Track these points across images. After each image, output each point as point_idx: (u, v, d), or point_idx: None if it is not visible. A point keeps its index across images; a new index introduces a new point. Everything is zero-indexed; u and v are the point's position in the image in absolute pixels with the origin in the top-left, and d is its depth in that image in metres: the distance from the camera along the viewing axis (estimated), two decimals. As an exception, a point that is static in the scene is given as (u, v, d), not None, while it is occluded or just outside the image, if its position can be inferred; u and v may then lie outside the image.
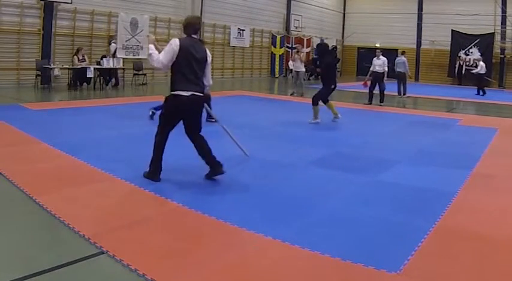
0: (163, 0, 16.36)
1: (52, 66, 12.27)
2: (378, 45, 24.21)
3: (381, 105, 11.85)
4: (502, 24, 22.68)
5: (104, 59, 13.08)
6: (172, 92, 4.22)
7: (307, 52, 22.26)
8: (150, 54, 4.23)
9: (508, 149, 6.93)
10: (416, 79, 24.38)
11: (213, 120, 7.42)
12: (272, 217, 3.60)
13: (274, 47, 22.45)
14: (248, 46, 20.93)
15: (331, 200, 4.09)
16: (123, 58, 14.27)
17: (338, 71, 21.89)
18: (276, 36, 22.35)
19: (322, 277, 2.70)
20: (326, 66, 8.61)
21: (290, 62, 16.16)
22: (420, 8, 25.02)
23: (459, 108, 13.43)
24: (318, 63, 9.02)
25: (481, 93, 17.48)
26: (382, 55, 12.10)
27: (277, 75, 22.62)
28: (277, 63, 22.67)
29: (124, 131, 7.04)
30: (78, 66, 12.59)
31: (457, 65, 23.42)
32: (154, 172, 4.36)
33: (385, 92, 12.13)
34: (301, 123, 8.40)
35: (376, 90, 11.98)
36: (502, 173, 5.30)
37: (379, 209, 3.90)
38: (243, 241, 3.16)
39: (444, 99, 15.43)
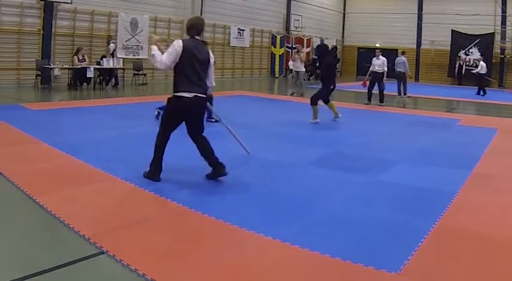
0: (163, 0, 16.37)
1: (52, 66, 12.27)
2: (377, 45, 24.21)
3: (381, 105, 11.85)
4: (502, 24, 22.68)
5: (104, 59, 13.08)
6: (175, 94, 4.22)
7: (307, 52, 22.26)
8: (153, 55, 4.23)
9: (508, 149, 6.93)
10: (416, 79, 24.38)
11: (213, 120, 7.43)
12: (272, 217, 3.60)
13: (274, 47, 22.46)
14: (248, 46, 20.94)
15: (331, 200, 4.09)
16: (123, 58, 14.28)
17: (338, 71, 21.91)
18: (276, 36, 22.35)
19: (322, 277, 2.70)
20: (326, 67, 8.62)
21: (290, 62, 16.16)
22: (420, 8, 25.03)
23: (459, 108, 13.44)
24: (317, 64, 9.02)
25: (482, 93, 17.48)
26: (382, 55, 12.10)
27: (277, 75, 22.62)
28: (277, 63, 22.67)
29: (124, 131, 7.04)
30: (78, 66, 12.59)
31: (457, 65, 23.42)
32: (154, 172, 4.36)
33: (386, 92, 12.14)
34: (301, 123, 8.40)
35: (376, 90, 11.99)
36: (502, 173, 5.30)
37: (379, 209, 3.90)
38: (243, 241, 3.16)
39: (444, 99, 15.43)
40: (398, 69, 13.75)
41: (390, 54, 16.87)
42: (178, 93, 4.19)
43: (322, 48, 9.47)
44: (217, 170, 4.44)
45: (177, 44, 4.16)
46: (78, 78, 12.80)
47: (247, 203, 3.93)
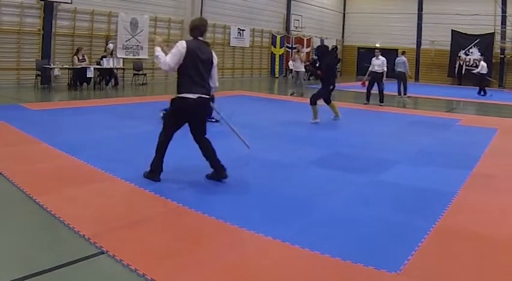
0: (163, 0, 16.36)
1: (52, 66, 12.27)
2: (377, 45, 24.20)
3: (380, 105, 11.86)
4: (502, 24, 22.67)
5: (104, 59, 13.08)
6: (179, 95, 4.22)
7: (307, 52, 22.25)
8: (156, 57, 4.22)
9: (508, 149, 6.93)
10: (416, 79, 24.37)
11: (213, 120, 7.43)
12: (272, 217, 3.60)
13: (274, 47, 22.45)
14: (248, 46, 20.93)
15: (331, 200, 4.09)
16: (123, 58, 14.28)
17: (338, 71, 21.89)
18: (276, 36, 22.35)
19: (322, 277, 2.70)
20: (326, 67, 8.63)
21: (290, 62, 16.17)
22: (420, 8, 25.02)
23: (459, 108, 13.44)
24: (317, 64, 9.02)
25: (482, 93, 17.47)
26: (382, 55, 12.12)
27: (277, 75, 22.62)
28: (277, 63, 22.67)
29: (124, 131, 7.04)
30: (78, 66, 12.59)
31: (457, 65, 23.42)
32: (154, 172, 4.36)
33: (386, 92, 12.14)
34: (301, 123, 8.40)
35: (375, 91, 12.00)
36: (502, 173, 5.30)
37: (379, 209, 3.90)
38: (243, 241, 3.17)
39: (444, 99, 15.43)
40: (398, 69, 13.75)
41: (390, 54, 16.86)
42: (182, 95, 4.19)
43: (322, 48, 9.48)
44: (218, 172, 4.45)
45: (181, 45, 4.16)
46: (78, 78, 12.80)
47: (247, 203, 3.93)
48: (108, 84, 13.43)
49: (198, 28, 4.32)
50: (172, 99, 4.32)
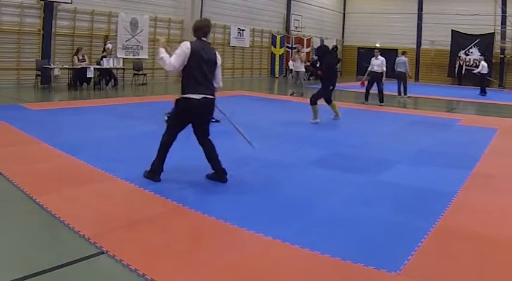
0: (163, 0, 16.36)
1: (52, 66, 12.27)
2: (377, 45, 24.21)
3: (380, 105, 11.86)
4: (502, 24, 22.67)
5: (104, 59, 13.08)
6: (184, 95, 4.22)
7: (307, 52, 22.25)
8: (161, 58, 4.22)
9: (508, 149, 6.93)
10: (416, 79, 24.37)
11: (214, 120, 7.42)
12: (272, 217, 3.60)
13: (274, 47, 22.45)
14: (248, 46, 20.93)
15: (331, 200, 4.09)
16: (123, 58, 14.28)
17: (338, 71, 21.89)
18: (276, 36, 22.35)
19: (322, 277, 2.70)
20: (327, 68, 8.63)
21: (290, 62, 16.16)
22: (420, 8, 25.02)
23: (459, 108, 13.44)
24: (318, 65, 9.03)
25: (483, 93, 17.46)
26: (381, 55, 12.13)
27: (277, 75, 22.62)
28: (277, 63, 22.66)
29: (124, 131, 7.04)
30: (78, 66, 12.58)
31: (457, 65, 23.42)
32: (155, 172, 4.36)
33: (386, 92, 12.15)
34: (301, 123, 8.40)
35: (374, 90, 12.00)
36: (502, 173, 5.30)
37: (379, 209, 3.90)
38: (243, 241, 3.16)
39: (444, 99, 15.43)
40: (398, 69, 13.76)
41: (390, 54, 16.89)
42: (187, 95, 4.20)
43: (322, 49, 9.50)
44: (217, 175, 4.46)
45: (185, 46, 4.17)
46: (78, 78, 12.80)
47: (247, 203, 3.93)
48: (108, 84, 13.43)
49: (201, 29, 4.33)
50: (177, 100, 4.32)
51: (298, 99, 12.64)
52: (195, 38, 4.33)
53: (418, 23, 25.09)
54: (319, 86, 8.95)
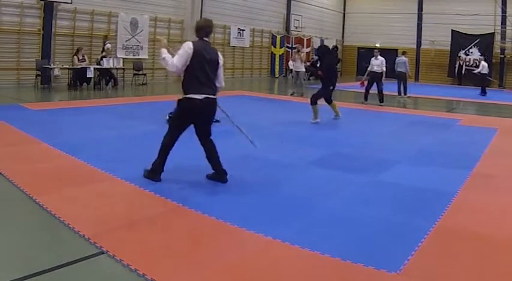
0: (163, 0, 16.36)
1: (52, 66, 12.27)
2: (377, 45, 24.21)
3: (380, 105, 11.86)
4: (502, 24, 22.67)
5: (104, 59, 13.08)
6: (186, 95, 4.22)
7: (307, 52, 22.25)
8: (163, 59, 4.22)
9: (508, 149, 6.93)
10: (416, 79, 24.37)
11: (214, 120, 7.42)
12: (272, 217, 3.60)
13: (274, 47, 22.45)
14: (248, 46, 20.93)
15: (331, 200, 4.09)
16: (123, 58, 14.28)
17: (338, 71, 21.89)
18: (276, 36, 22.35)
19: (322, 277, 2.70)
20: (327, 68, 8.63)
21: (290, 62, 16.17)
22: (420, 8, 25.02)
23: (459, 108, 13.44)
24: (318, 65, 9.02)
25: (483, 93, 17.46)
26: (381, 55, 12.14)
27: (277, 75, 22.62)
28: (277, 63, 22.66)
29: (124, 131, 7.04)
30: (78, 66, 12.59)
31: (457, 65, 23.42)
32: (155, 172, 4.36)
33: (386, 92, 12.15)
34: (301, 123, 8.40)
35: (374, 90, 12.01)
36: (502, 173, 5.30)
37: (379, 209, 3.90)
38: (243, 241, 3.16)
39: (444, 99, 15.43)
40: (398, 69, 13.76)
41: (390, 54, 16.89)
42: (189, 95, 4.19)
43: (323, 49, 9.50)
44: (218, 175, 4.46)
45: (187, 46, 4.16)
46: (78, 78, 12.80)
47: (247, 203, 3.93)
48: (108, 84, 13.43)
49: (203, 29, 4.32)
50: (179, 100, 4.32)
51: (298, 99, 12.64)
52: (196, 38, 4.33)
53: (418, 23, 25.10)
54: (319, 86, 8.95)
